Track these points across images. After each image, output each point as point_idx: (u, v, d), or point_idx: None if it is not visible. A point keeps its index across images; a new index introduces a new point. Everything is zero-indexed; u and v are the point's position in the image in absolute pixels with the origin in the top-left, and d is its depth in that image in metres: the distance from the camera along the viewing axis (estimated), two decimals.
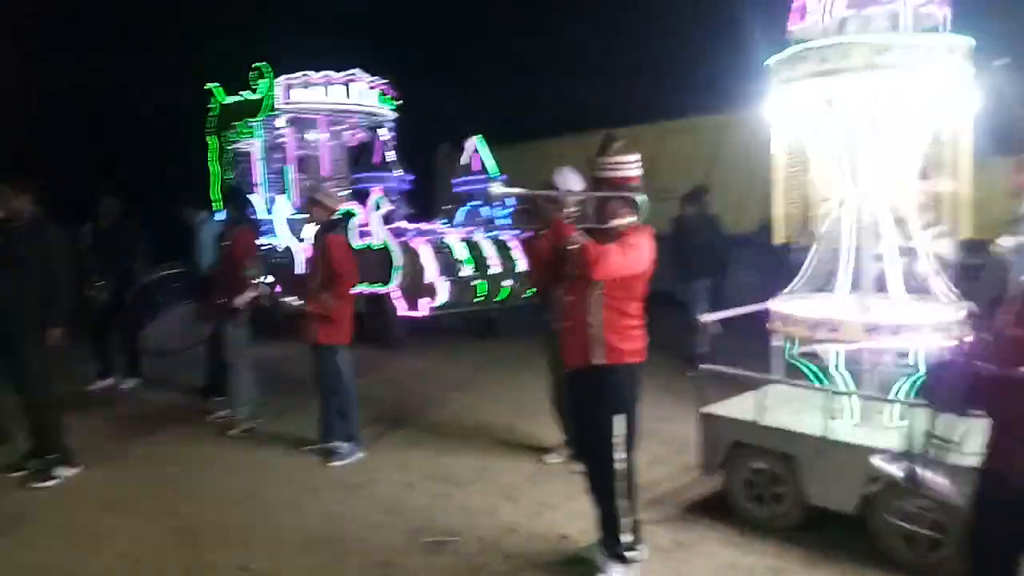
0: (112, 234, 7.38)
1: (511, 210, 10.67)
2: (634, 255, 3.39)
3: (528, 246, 4.37)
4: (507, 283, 9.68)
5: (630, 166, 3.52)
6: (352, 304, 5.34)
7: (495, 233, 10.46)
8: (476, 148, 10.68)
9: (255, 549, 3.93)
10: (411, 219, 10.82)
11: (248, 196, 6.32)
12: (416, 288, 9.14)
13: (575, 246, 3.32)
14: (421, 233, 10.28)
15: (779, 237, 4.42)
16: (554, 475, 4.89)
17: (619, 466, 3.42)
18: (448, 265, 9.29)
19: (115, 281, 7.20)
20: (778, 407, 4.10)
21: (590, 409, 3.48)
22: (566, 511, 4.33)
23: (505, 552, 3.85)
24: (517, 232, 10.47)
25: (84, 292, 7.10)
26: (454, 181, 10.95)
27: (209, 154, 11.81)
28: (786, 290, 4.29)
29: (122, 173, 14.71)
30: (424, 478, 4.87)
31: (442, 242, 9.55)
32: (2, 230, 4.86)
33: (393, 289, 9.14)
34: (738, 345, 4.96)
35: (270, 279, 5.43)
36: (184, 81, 13.49)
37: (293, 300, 5.19)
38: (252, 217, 7.33)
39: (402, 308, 9.22)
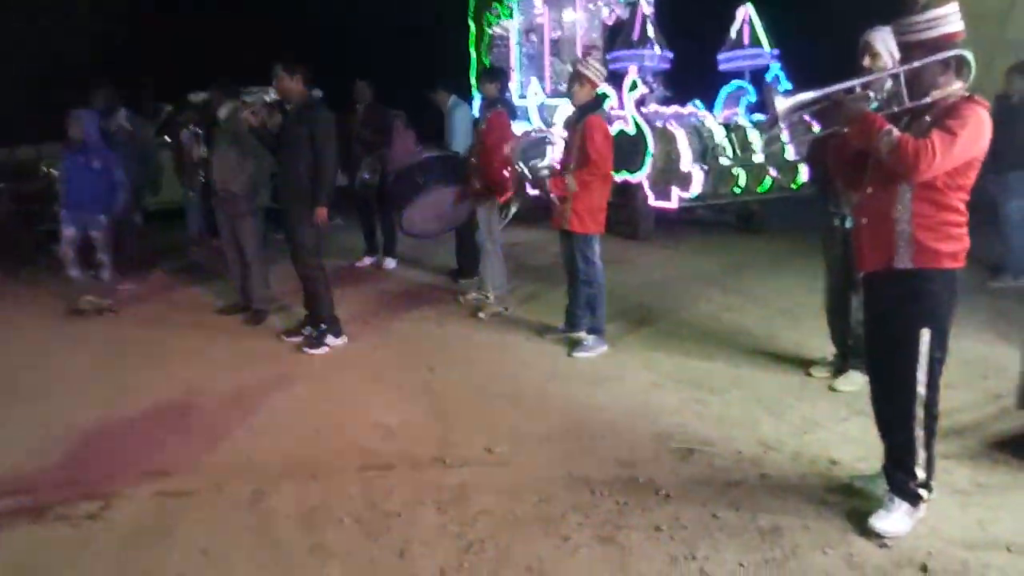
0: (368, 117, 7.65)
1: (783, 91, 9.52)
2: (966, 138, 2.64)
3: (820, 146, 3.70)
4: (771, 173, 8.74)
5: (948, 19, 2.70)
6: (607, 192, 4.99)
7: (762, 117, 9.43)
8: (748, 18, 9.54)
9: (500, 433, 3.89)
10: (667, 102, 10.09)
11: (504, 76, 6.06)
12: (669, 176, 8.57)
13: (888, 144, 2.67)
14: (678, 117, 9.57)
15: None
16: (822, 391, 4.30)
17: (922, 390, 2.81)
18: (705, 152, 8.55)
19: (375, 164, 7.55)
20: None
21: (892, 321, 2.86)
22: (837, 432, 3.78)
23: (764, 470, 3.43)
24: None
25: (356, 175, 7.55)
26: (719, 57, 9.94)
27: (469, 38, 11.83)
28: None
29: (376, 59, 15.38)
30: (673, 380, 4.53)
31: (700, 126, 8.78)
32: (281, 112, 5.11)
33: (644, 177, 8.64)
34: None
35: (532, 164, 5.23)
36: None
37: (543, 168, 4.93)
38: (508, 99, 7.13)
39: (653, 198, 8.73)
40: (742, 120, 9.17)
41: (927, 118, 2.75)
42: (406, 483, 3.41)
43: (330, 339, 5.24)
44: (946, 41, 2.72)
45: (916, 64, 2.75)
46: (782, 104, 2.91)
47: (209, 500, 3.32)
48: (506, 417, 4.11)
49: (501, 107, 5.87)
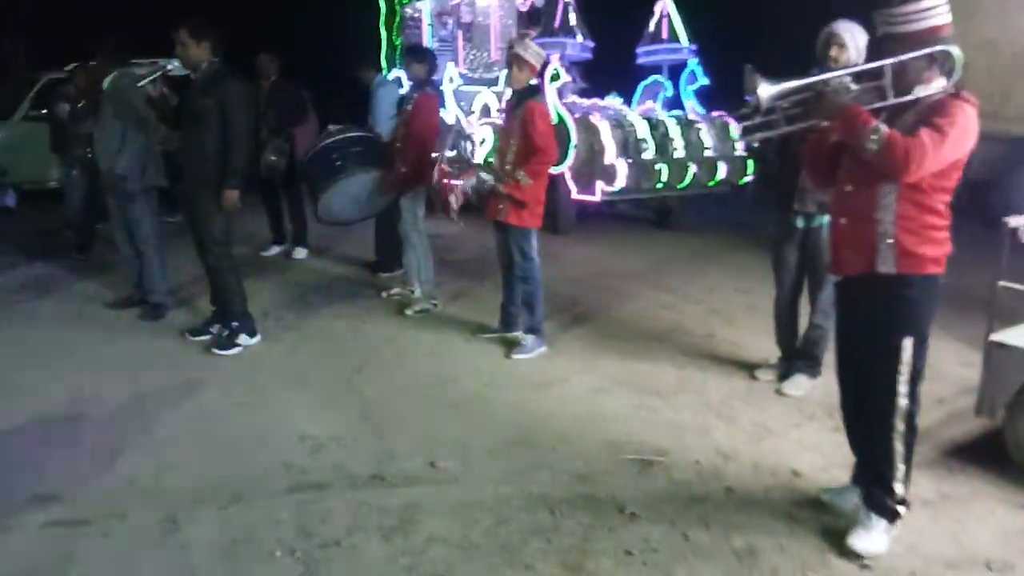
0: (273, 95, 7.06)
1: (698, 86, 9.57)
2: (954, 138, 2.51)
3: (783, 141, 3.57)
4: (692, 168, 8.73)
5: (935, 12, 2.58)
6: (546, 183, 4.72)
7: (679, 112, 9.44)
8: (666, 12, 9.50)
9: (442, 444, 3.56)
10: (584, 94, 9.95)
11: (432, 56, 5.65)
12: (592, 169, 8.41)
13: (875, 141, 2.51)
14: (597, 109, 9.44)
15: None
16: (769, 394, 4.20)
17: (903, 402, 2.69)
18: (628, 146, 8.44)
19: (281, 145, 6.97)
20: None
21: (872, 329, 2.73)
22: (792, 440, 3.67)
23: (726, 482, 3.26)
24: (705, 111, 9.42)
25: (261, 156, 6.94)
26: (638, 50, 9.87)
27: (380, 17, 11.31)
28: None
29: (283, 33, 14.55)
30: (618, 383, 4.33)
31: (623, 119, 8.67)
32: (183, 83, 4.55)
33: (566, 170, 8.45)
34: None
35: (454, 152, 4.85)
36: None
37: (485, 176, 4.59)
38: (437, 81, 6.72)
39: (575, 191, 8.56)
40: (662, 114, 9.12)
41: (908, 116, 2.62)
42: (343, 506, 3.03)
43: (243, 338, 4.74)
44: (932, 35, 2.59)
45: (903, 58, 2.62)
46: (766, 91, 2.71)
47: (110, 531, 2.84)
48: (447, 426, 3.78)
49: (430, 90, 5.48)
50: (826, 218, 3.90)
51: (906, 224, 2.63)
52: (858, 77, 2.74)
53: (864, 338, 2.79)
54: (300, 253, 7.30)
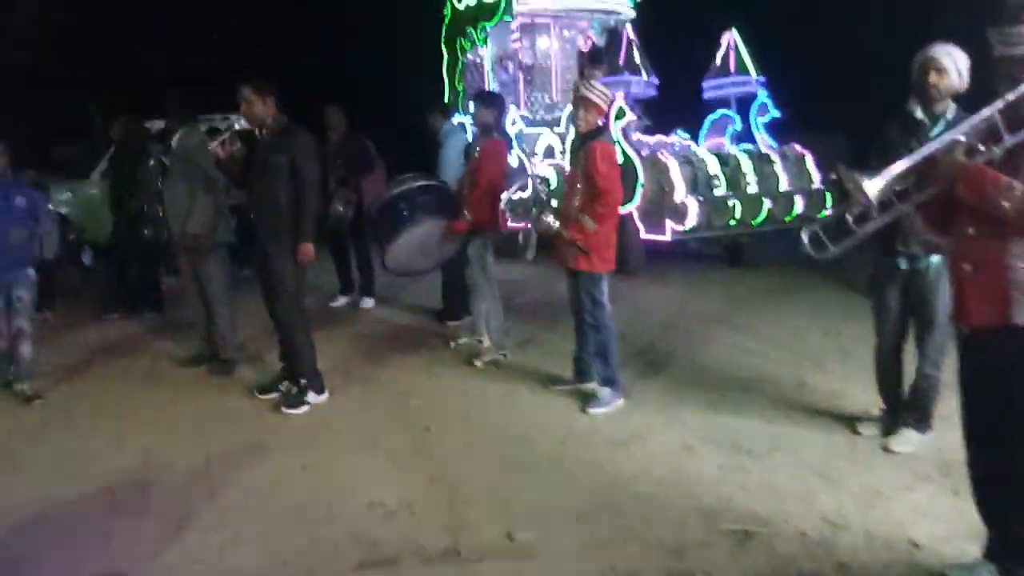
0: (341, 146, 7.09)
1: (769, 119, 9.25)
2: None
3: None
4: (767, 204, 8.39)
5: None
6: (617, 225, 4.50)
7: (750, 146, 9.13)
8: (733, 44, 9.25)
9: (519, 512, 3.32)
10: (649, 131, 9.74)
11: (501, 102, 5.55)
12: (661, 208, 8.15)
13: (1011, 199, 2.23)
14: (663, 147, 9.21)
15: None
16: (875, 452, 3.81)
17: None
18: (699, 183, 8.16)
19: (349, 195, 6.97)
20: None
21: (1012, 385, 2.39)
22: (907, 504, 3.29)
23: (838, 556, 2.92)
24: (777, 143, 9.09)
25: (331, 206, 6.94)
26: (704, 84, 9.63)
27: (444, 65, 11.42)
28: None
29: (351, 83, 14.84)
30: (704, 440, 4.01)
31: (692, 156, 8.41)
32: (248, 138, 4.53)
33: (635, 208, 8.22)
34: None
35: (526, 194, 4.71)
36: None
37: (550, 219, 4.40)
38: (504, 127, 6.61)
39: (644, 230, 8.30)
40: (732, 149, 8.83)
41: None
42: None
43: (311, 396, 4.61)
44: None
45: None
46: (874, 188, 2.43)
47: None
48: (523, 490, 3.54)
49: (497, 136, 5.36)
50: (934, 258, 3.58)
51: None
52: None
53: (999, 395, 2.46)
54: (367, 303, 7.23)
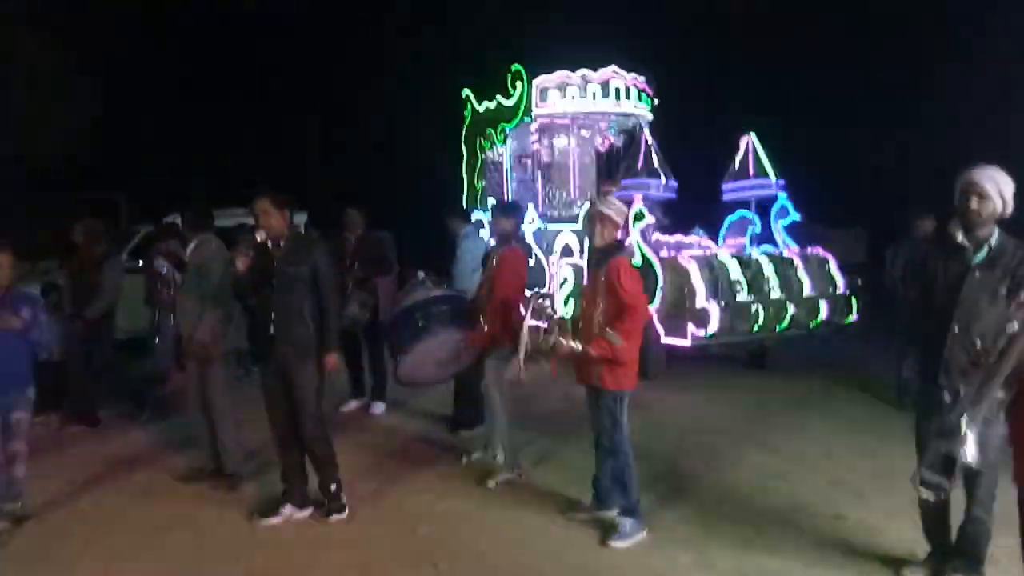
0: (359, 247, 7.02)
1: (789, 221, 9.15)
2: None
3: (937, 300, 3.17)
4: (790, 309, 8.18)
5: None
6: (641, 339, 4.31)
7: (771, 248, 9.00)
8: (751, 147, 9.25)
9: None
10: (666, 230, 9.66)
11: (520, 211, 5.47)
12: (682, 312, 7.96)
13: None
14: (682, 247, 9.10)
15: None
16: None
17: None
18: (720, 287, 7.99)
19: (365, 298, 6.86)
20: None
21: None
22: None
23: None
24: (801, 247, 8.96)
25: (347, 308, 6.81)
26: (724, 187, 9.60)
27: (463, 164, 11.56)
28: None
29: (368, 185, 15.12)
30: None
31: (714, 260, 8.27)
32: (263, 251, 4.43)
33: (654, 312, 8.02)
34: None
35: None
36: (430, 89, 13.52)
37: (571, 342, 4.20)
38: (522, 235, 6.52)
39: (664, 334, 8.09)
40: (754, 252, 8.69)
41: None
42: None
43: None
44: None
45: None
46: (973, 453, 2.23)
47: None
48: None
49: (516, 244, 5.25)
50: None
51: None
52: None
53: None
54: (378, 408, 7.00)
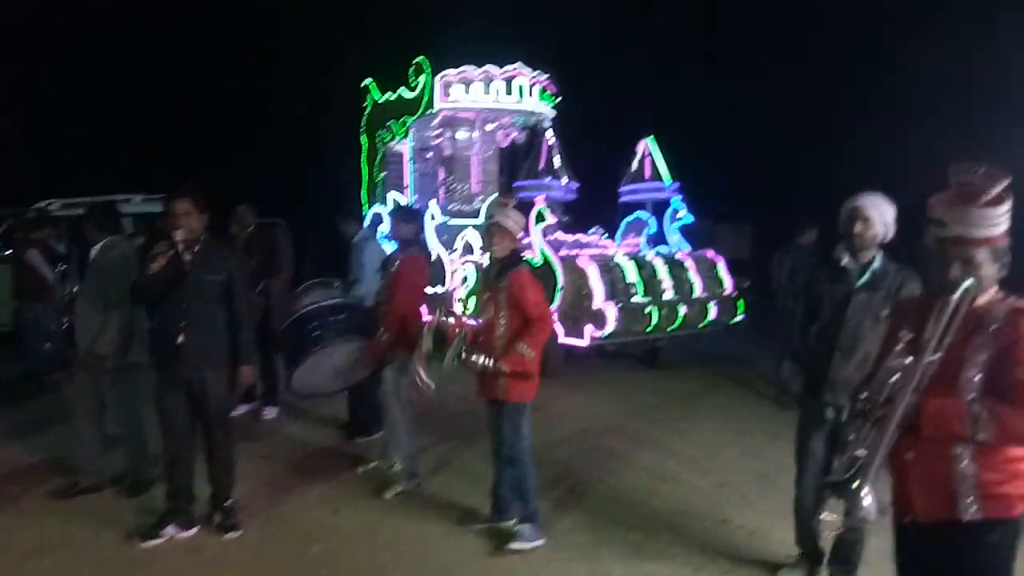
0: (250, 245, 6.74)
1: (682, 223, 9.46)
2: None
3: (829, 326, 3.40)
4: (682, 310, 8.47)
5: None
6: (542, 350, 4.31)
7: (666, 250, 9.29)
8: (648, 151, 9.50)
9: None
10: (566, 229, 9.81)
11: (420, 217, 5.37)
12: (580, 313, 8.11)
13: (983, 430, 2.19)
14: (581, 246, 9.27)
15: None
16: None
17: None
18: (617, 289, 8.18)
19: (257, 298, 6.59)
20: None
21: None
22: None
23: None
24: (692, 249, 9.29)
25: None
26: (621, 189, 9.82)
27: (361, 155, 11.31)
28: None
29: (263, 179, 14.64)
30: None
31: (611, 261, 8.45)
32: (175, 254, 4.14)
33: (553, 312, 8.12)
34: None
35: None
36: (334, 77, 13.18)
37: (482, 359, 4.15)
38: (423, 241, 6.43)
39: (563, 335, 8.21)
40: (649, 254, 8.94)
41: (977, 339, 2.25)
42: None
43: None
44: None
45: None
46: (869, 475, 2.21)
47: None
48: None
49: (416, 250, 5.17)
50: None
51: (988, 460, 2.25)
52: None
53: None
54: (270, 413, 6.77)
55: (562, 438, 6.19)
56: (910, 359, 2.26)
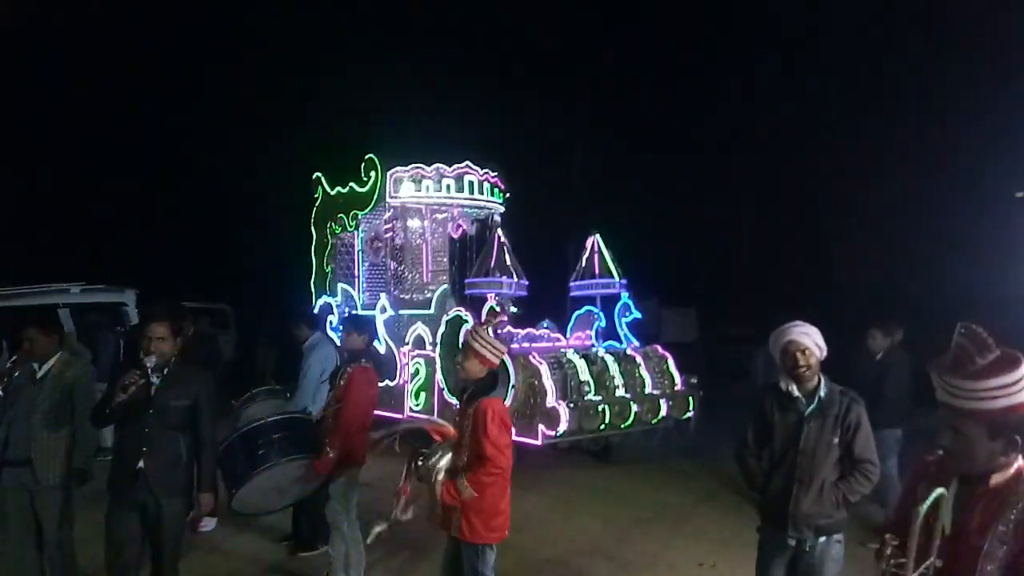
0: (187, 349, 6.48)
1: (631, 319, 9.56)
2: None
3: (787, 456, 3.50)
4: (634, 407, 8.45)
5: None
6: (505, 489, 3.98)
7: (614, 344, 9.34)
8: (596, 247, 9.65)
9: None
10: (516, 323, 9.81)
11: (372, 327, 5.27)
12: (533, 411, 8.02)
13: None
14: (532, 339, 9.26)
15: None
16: None
17: None
18: (569, 388, 8.14)
19: None
20: None
21: None
22: None
23: None
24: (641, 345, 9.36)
25: None
26: (571, 284, 9.92)
27: (312, 246, 11.26)
28: None
29: (209, 261, 14.48)
30: None
31: (563, 358, 8.44)
32: (144, 375, 3.92)
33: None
34: None
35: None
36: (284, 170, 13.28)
37: (438, 461, 3.92)
38: (373, 350, 6.30)
39: (516, 434, 8.06)
40: (600, 350, 8.98)
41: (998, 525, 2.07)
42: None
43: None
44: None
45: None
46: None
47: None
48: None
49: (366, 361, 5.05)
50: (821, 538, 3.53)
51: None
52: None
53: None
54: (208, 524, 6.40)
55: (517, 557, 5.93)
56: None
